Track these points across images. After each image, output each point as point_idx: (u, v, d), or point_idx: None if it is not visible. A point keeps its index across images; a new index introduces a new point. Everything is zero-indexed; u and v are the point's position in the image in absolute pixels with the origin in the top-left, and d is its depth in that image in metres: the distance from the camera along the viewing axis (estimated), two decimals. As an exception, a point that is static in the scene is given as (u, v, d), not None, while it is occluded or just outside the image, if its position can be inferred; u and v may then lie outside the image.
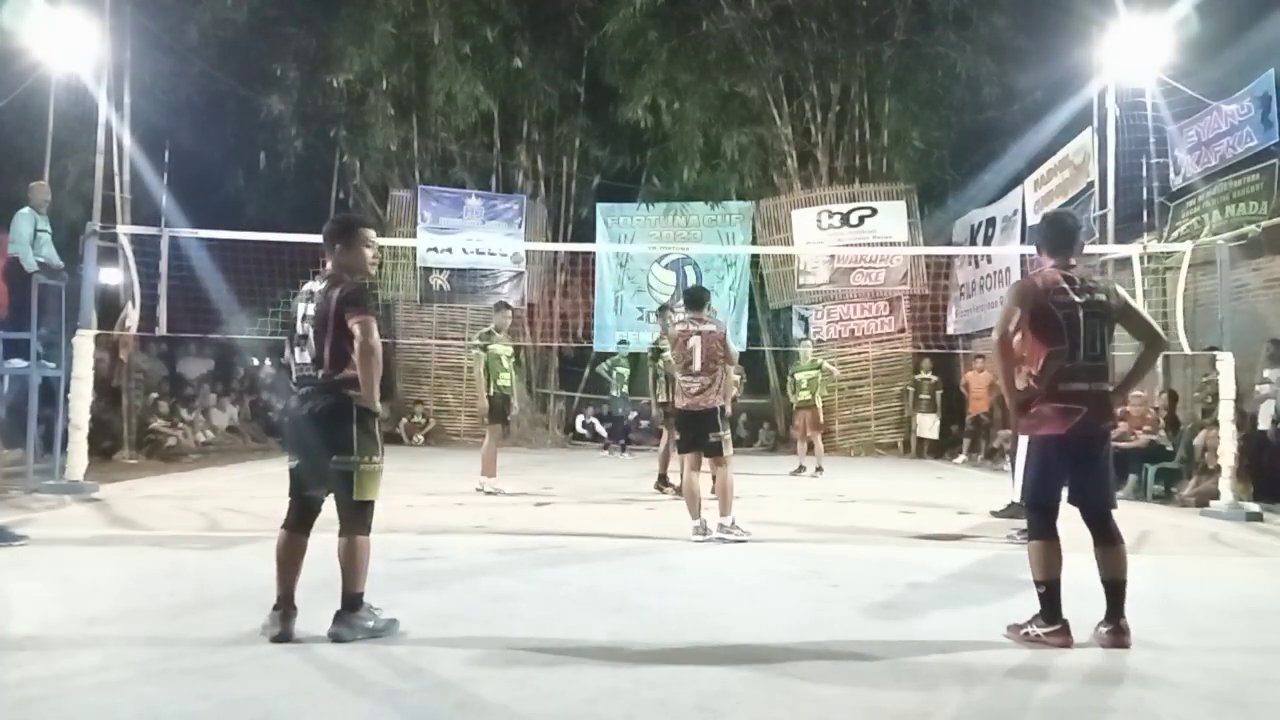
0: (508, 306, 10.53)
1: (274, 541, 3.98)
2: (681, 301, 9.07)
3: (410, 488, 9.28)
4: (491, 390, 9.48)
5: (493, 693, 3.31)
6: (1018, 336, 4.22)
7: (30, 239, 9.18)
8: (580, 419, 19.53)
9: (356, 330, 3.85)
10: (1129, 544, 4.70)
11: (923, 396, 16.65)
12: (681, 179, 17.55)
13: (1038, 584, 4.07)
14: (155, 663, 3.58)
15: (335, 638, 3.83)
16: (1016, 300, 4.21)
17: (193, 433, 14.13)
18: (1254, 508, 8.65)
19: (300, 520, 4.00)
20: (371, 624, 3.93)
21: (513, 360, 10.02)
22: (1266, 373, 9.71)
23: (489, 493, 9.19)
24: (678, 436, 7.33)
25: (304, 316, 3.99)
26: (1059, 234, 4.36)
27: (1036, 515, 4.16)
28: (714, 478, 7.29)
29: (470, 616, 4.28)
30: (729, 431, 7.00)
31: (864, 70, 17.43)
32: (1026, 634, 4.06)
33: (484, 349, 9.52)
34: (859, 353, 17.50)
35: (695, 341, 6.89)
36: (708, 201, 18.24)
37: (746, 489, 10.07)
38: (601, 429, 19.05)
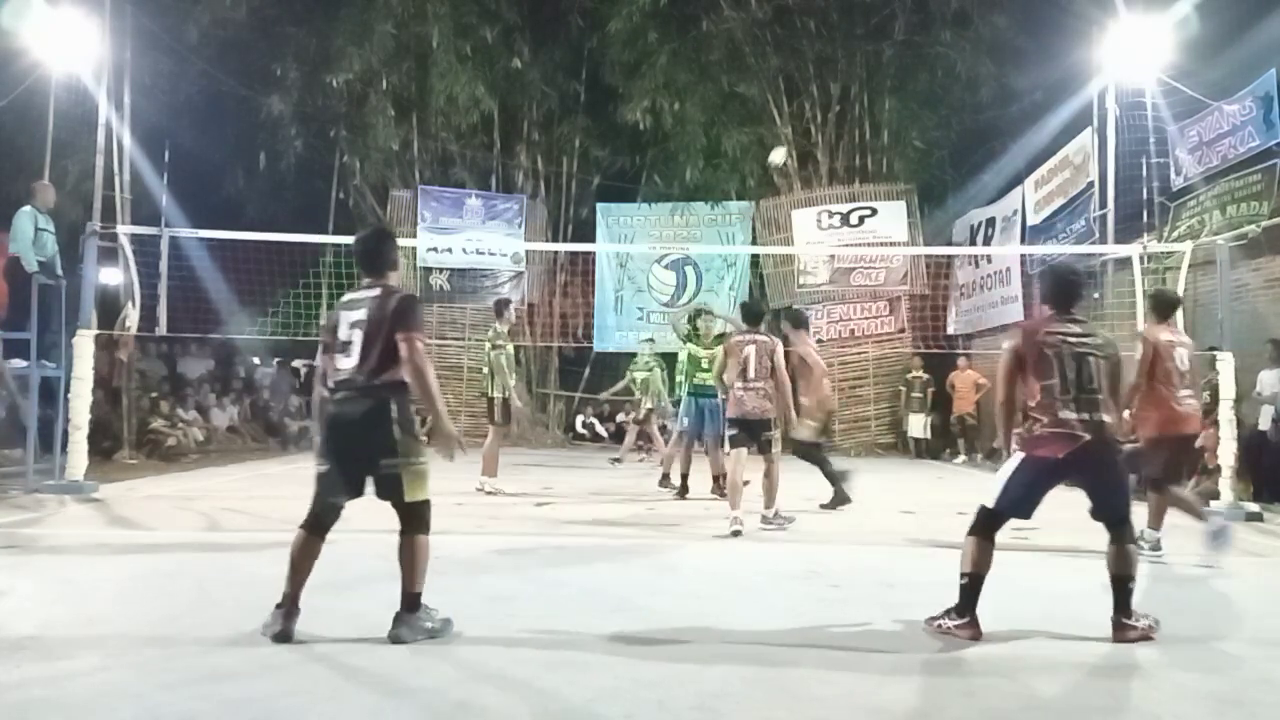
0: (509, 303, 10.49)
1: (275, 541, 3.98)
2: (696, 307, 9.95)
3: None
4: (498, 391, 9.44)
5: (493, 692, 3.32)
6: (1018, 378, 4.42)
7: (32, 238, 9.18)
8: (580, 419, 19.52)
9: (403, 350, 3.88)
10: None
11: (915, 395, 16.62)
12: (682, 179, 17.55)
13: (962, 575, 4.27)
14: (155, 663, 3.58)
15: (396, 639, 3.84)
16: (1011, 343, 4.44)
17: (193, 433, 14.13)
18: (1254, 508, 8.65)
19: (319, 524, 4.02)
20: (430, 625, 3.95)
21: (512, 360, 10.02)
22: (1263, 374, 9.72)
23: (489, 492, 9.19)
24: (731, 433, 7.54)
25: (350, 324, 3.98)
26: (1060, 287, 4.53)
27: (989, 517, 4.34)
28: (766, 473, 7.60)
29: (470, 616, 4.28)
30: (779, 430, 7.52)
31: (864, 70, 17.42)
32: (939, 625, 4.23)
33: (502, 348, 9.46)
34: (859, 353, 17.49)
35: (750, 351, 7.35)
36: (708, 201, 18.24)
37: (748, 488, 10.09)
38: (601, 429, 19.04)
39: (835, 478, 8.81)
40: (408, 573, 3.94)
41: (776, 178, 17.47)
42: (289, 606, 3.89)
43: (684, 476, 9.57)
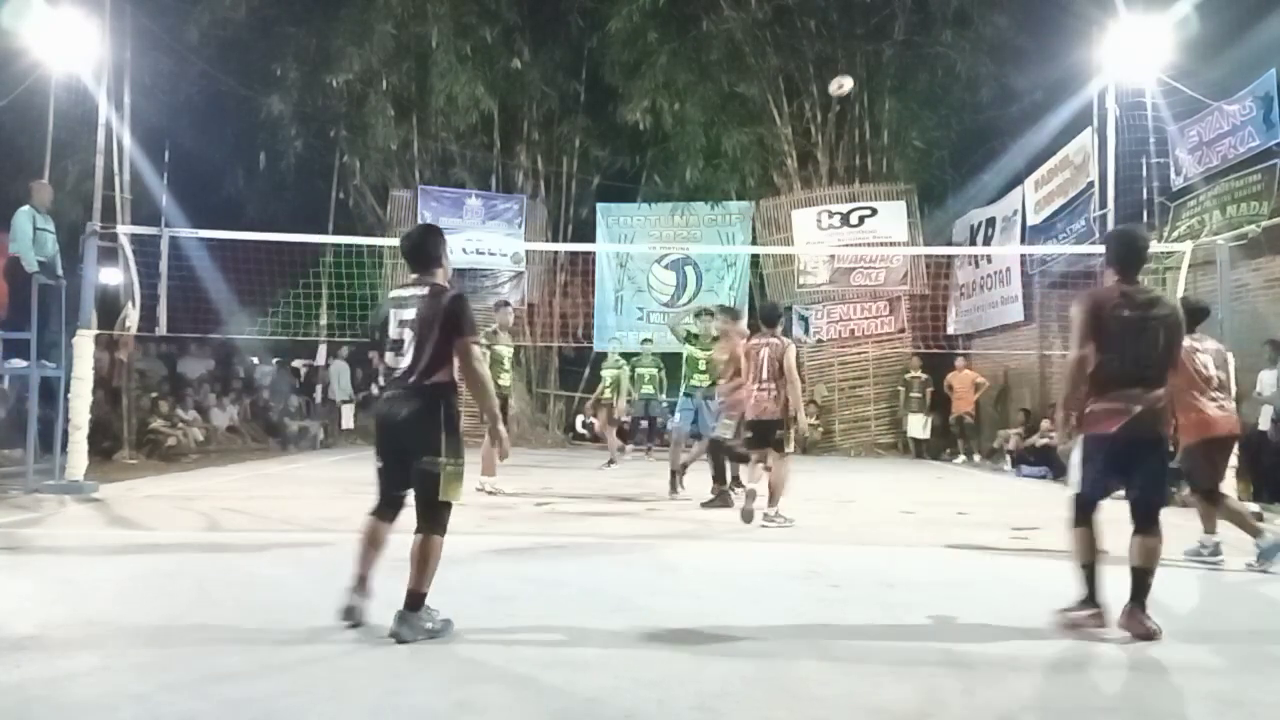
0: (508, 305, 10.52)
1: (275, 542, 3.98)
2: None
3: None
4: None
5: (493, 693, 3.32)
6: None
7: (30, 237, 9.18)
8: (580, 419, 19.53)
9: (459, 356, 4.02)
10: (1128, 545, 4.67)
11: (913, 395, 16.62)
12: (682, 179, 17.56)
13: (1080, 568, 4.35)
14: (155, 663, 3.58)
15: (396, 637, 3.84)
16: (1079, 313, 4.43)
17: (193, 433, 14.13)
18: (1254, 508, 8.63)
19: (387, 512, 4.13)
20: (430, 625, 3.94)
21: (513, 360, 10.02)
22: (1263, 374, 9.71)
23: (489, 492, 9.18)
24: (749, 435, 7.87)
25: (400, 322, 4.06)
26: (1128, 251, 4.57)
27: (1079, 505, 4.42)
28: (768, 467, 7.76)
29: (470, 616, 4.28)
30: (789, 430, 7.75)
31: (864, 70, 17.40)
32: (1070, 618, 4.28)
33: (488, 348, 9.50)
34: (859, 353, 17.50)
35: (765, 353, 7.67)
36: (708, 201, 18.24)
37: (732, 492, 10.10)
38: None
39: (722, 479, 8.87)
40: (417, 572, 3.94)
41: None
42: (359, 587, 4.03)
43: (673, 474, 9.59)
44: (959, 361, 16.42)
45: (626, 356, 14.99)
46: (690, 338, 9.83)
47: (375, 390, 3.82)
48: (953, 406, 16.18)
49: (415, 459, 3.97)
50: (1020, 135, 15.49)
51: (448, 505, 4.03)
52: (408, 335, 4.01)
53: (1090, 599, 4.28)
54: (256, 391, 17.60)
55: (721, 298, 17.67)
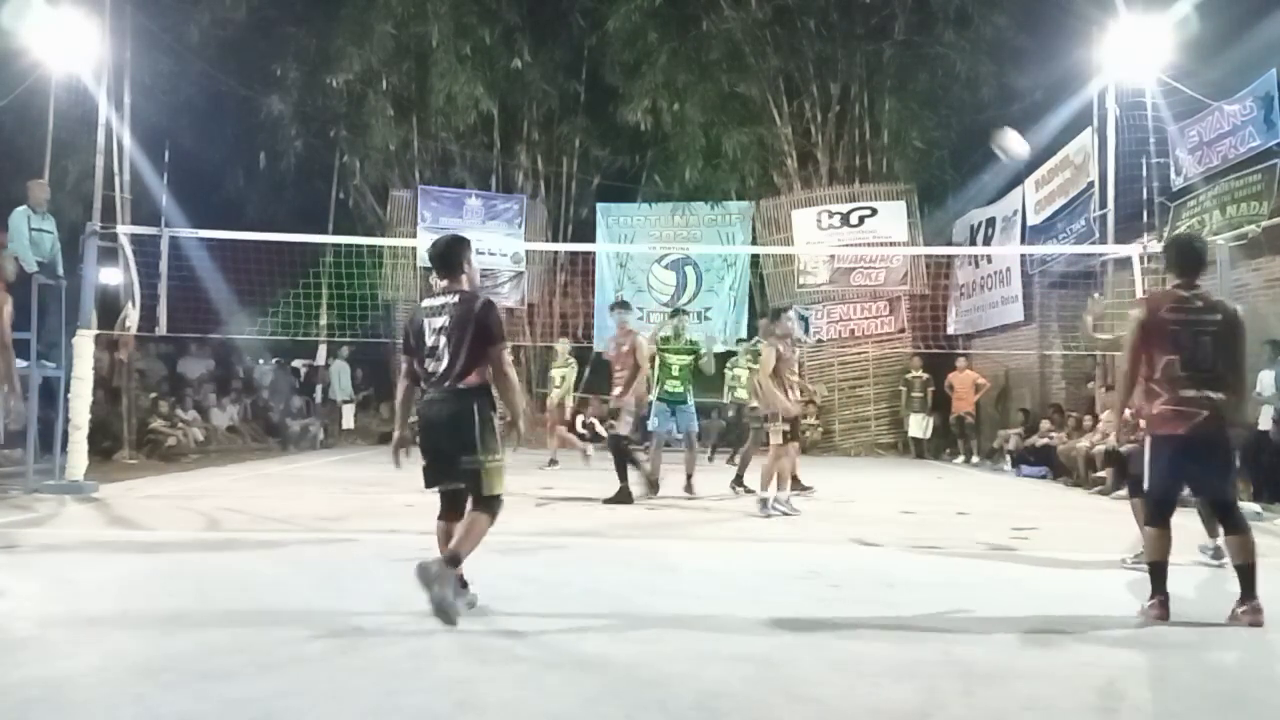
0: (511, 311, 10.53)
1: (275, 541, 3.99)
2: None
3: (410, 487, 9.28)
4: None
5: (493, 693, 3.31)
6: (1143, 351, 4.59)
7: (27, 237, 9.17)
8: (580, 419, 19.51)
9: (493, 362, 4.36)
10: (1129, 545, 4.70)
11: (915, 395, 16.61)
12: (682, 179, 17.54)
13: (1149, 564, 4.58)
14: (155, 663, 3.58)
15: (422, 572, 4.00)
16: (1135, 318, 4.61)
17: (193, 433, 14.13)
18: (1254, 508, 8.63)
19: (450, 510, 4.47)
20: (453, 588, 4.09)
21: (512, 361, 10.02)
22: (1262, 374, 9.71)
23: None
24: (786, 429, 8.28)
25: (434, 329, 4.35)
26: (1186, 257, 4.74)
27: (1153, 506, 4.61)
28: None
29: (470, 616, 4.28)
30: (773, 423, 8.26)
31: (864, 70, 17.43)
32: (1142, 608, 4.52)
33: None
34: (859, 353, 17.50)
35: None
36: (708, 201, 18.24)
37: (749, 485, 10.09)
38: (601, 429, 19.01)
39: (625, 477, 8.90)
40: (462, 536, 4.24)
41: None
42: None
43: (648, 474, 9.58)
44: (960, 362, 16.42)
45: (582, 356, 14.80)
46: (664, 341, 9.75)
47: (418, 392, 4.13)
48: (953, 406, 16.18)
49: (455, 459, 4.30)
50: (1021, 135, 15.44)
51: (497, 498, 4.36)
52: (442, 341, 4.31)
53: (1156, 590, 4.47)
54: (256, 391, 17.60)
55: (721, 298, 17.69)
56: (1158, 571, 4.54)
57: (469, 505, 4.34)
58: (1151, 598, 4.51)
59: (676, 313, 10.38)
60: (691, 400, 9.58)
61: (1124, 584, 5.48)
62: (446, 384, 4.30)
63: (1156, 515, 4.59)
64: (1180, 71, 11.30)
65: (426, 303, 4.50)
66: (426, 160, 18.55)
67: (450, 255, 4.52)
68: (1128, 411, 5.26)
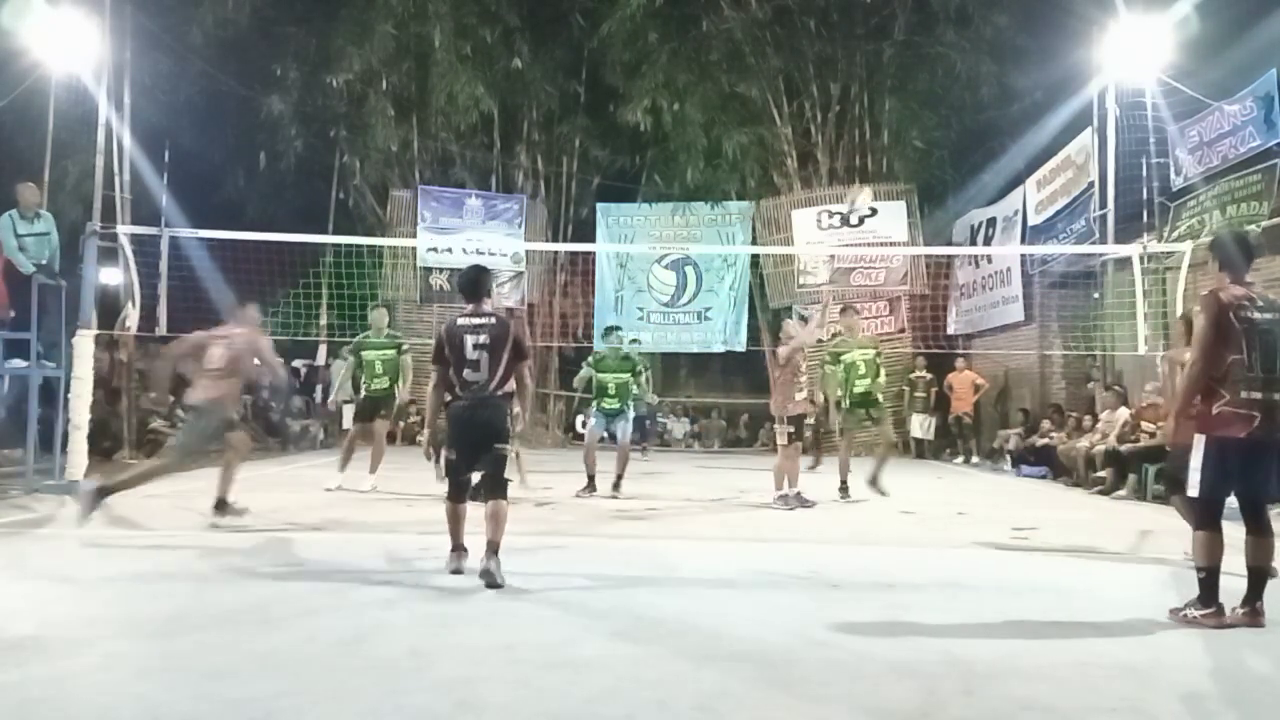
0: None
1: (275, 541, 3.98)
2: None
3: (411, 488, 9.29)
4: None
5: (493, 693, 3.31)
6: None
7: (15, 246, 9.13)
8: (580, 419, 19.52)
9: (525, 375, 5.54)
10: (1129, 545, 4.70)
11: (918, 395, 16.60)
12: (682, 179, 17.54)
13: (1199, 569, 4.45)
14: (155, 663, 3.58)
15: (486, 575, 4.93)
16: (1207, 315, 4.49)
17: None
18: None
19: (459, 493, 5.37)
20: (499, 566, 5.01)
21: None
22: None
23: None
24: (791, 430, 8.79)
25: (475, 345, 5.24)
26: (1240, 252, 4.70)
27: (1205, 508, 4.51)
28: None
29: (470, 616, 4.27)
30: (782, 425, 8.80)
31: (864, 70, 17.42)
32: (1184, 615, 4.42)
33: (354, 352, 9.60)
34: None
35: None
36: (708, 201, 18.23)
37: (750, 484, 10.11)
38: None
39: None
40: (494, 526, 5.07)
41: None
42: (459, 549, 5.29)
43: (591, 476, 9.67)
44: (959, 362, 16.41)
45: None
46: (598, 361, 10.01)
47: (451, 397, 4.99)
48: (952, 407, 16.19)
49: (488, 446, 5.25)
50: (1020, 135, 15.48)
51: (508, 481, 5.34)
52: (483, 356, 5.23)
53: (1209, 599, 4.38)
54: (256, 391, 17.57)
55: (721, 298, 17.68)
56: (1210, 578, 4.40)
57: (486, 495, 5.23)
58: (1202, 607, 4.38)
59: (610, 331, 10.50)
60: (630, 412, 9.91)
61: (1124, 584, 5.48)
62: (489, 389, 5.24)
63: (1208, 518, 4.49)
64: (1180, 71, 11.30)
65: (462, 321, 5.34)
66: (426, 160, 18.55)
67: (480, 284, 5.56)
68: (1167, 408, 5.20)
